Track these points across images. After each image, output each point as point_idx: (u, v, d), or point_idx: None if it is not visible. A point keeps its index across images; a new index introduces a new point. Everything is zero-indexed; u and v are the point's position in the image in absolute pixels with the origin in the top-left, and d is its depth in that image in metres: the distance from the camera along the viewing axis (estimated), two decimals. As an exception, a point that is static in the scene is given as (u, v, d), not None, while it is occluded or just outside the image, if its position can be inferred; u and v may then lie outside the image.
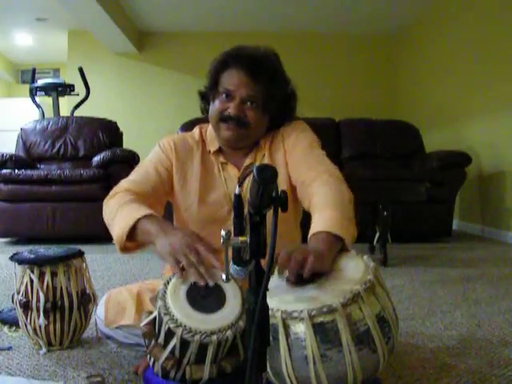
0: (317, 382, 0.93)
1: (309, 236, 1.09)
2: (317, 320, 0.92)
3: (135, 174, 1.37)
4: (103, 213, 1.28)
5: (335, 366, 0.92)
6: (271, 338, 0.94)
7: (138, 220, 1.14)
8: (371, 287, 0.97)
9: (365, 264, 1.03)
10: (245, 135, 1.33)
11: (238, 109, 1.29)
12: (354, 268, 1.02)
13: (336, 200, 1.16)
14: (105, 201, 1.30)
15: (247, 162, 1.38)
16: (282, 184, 1.30)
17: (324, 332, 0.92)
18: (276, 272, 1.08)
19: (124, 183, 1.33)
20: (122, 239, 1.15)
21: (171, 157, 1.39)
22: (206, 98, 1.40)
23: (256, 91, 1.29)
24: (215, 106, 1.33)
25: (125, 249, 1.19)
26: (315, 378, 0.92)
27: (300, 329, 0.93)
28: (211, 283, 1.02)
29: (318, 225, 1.09)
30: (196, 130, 1.47)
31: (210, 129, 1.44)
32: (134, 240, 1.16)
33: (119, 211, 1.20)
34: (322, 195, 1.18)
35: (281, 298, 0.98)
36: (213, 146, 1.40)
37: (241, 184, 0.85)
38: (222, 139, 1.36)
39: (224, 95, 1.31)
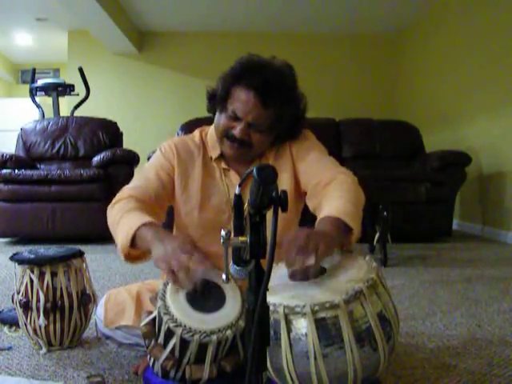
0: (317, 379, 0.93)
1: (318, 218, 1.09)
2: (319, 315, 0.92)
3: (137, 180, 1.36)
4: (107, 220, 1.27)
5: (336, 362, 0.92)
6: (273, 333, 0.94)
7: (138, 228, 1.13)
8: (373, 286, 0.98)
9: (367, 264, 1.04)
10: (246, 153, 1.34)
11: (244, 132, 1.28)
12: (357, 267, 1.03)
13: (352, 196, 1.17)
14: (108, 207, 1.29)
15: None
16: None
17: (326, 328, 0.92)
18: (280, 264, 1.09)
19: (126, 190, 1.32)
20: (126, 248, 1.14)
21: (173, 161, 1.38)
22: (213, 100, 1.37)
23: (264, 117, 1.27)
24: (221, 121, 1.32)
25: (130, 257, 1.18)
26: (316, 374, 0.93)
27: (302, 324, 0.93)
28: (188, 286, 1.00)
29: (330, 210, 1.10)
30: (196, 134, 1.45)
31: (210, 133, 1.43)
32: (135, 248, 1.16)
33: (122, 219, 1.19)
34: (338, 191, 1.19)
35: (283, 294, 0.98)
36: (214, 152, 1.39)
37: (241, 184, 0.85)
38: (223, 152, 1.37)
39: (231, 113, 1.28)
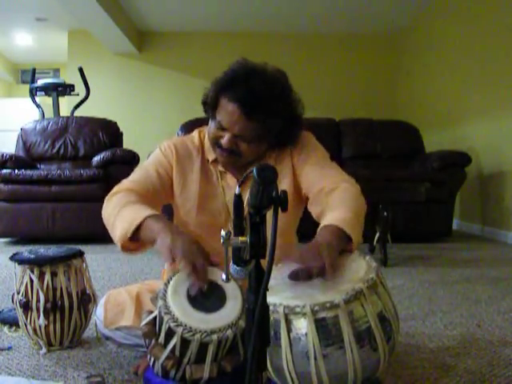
0: (317, 379, 0.93)
1: (319, 227, 1.11)
2: (319, 315, 0.92)
3: (136, 175, 1.37)
4: (103, 210, 1.27)
5: (336, 362, 0.92)
6: (273, 333, 0.95)
7: (145, 218, 1.13)
8: (373, 286, 0.98)
9: (367, 264, 1.04)
10: (237, 161, 1.33)
11: (230, 142, 1.27)
12: (357, 267, 1.03)
13: (353, 205, 1.18)
14: (106, 198, 1.29)
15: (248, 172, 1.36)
16: None
17: (326, 328, 0.92)
18: (280, 265, 1.09)
19: (126, 182, 1.33)
20: (126, 236, 1.14)
21: (172, 161, 1.38)
22: (205, 106, 1.37)
23: (250, 128, 1.25)
24: (211, 129, 1.32)
25: (126, 247, 1.19)
26: (316, 374, 0.93)
27: (302, 324, 0.93)
28: (203, 286, 1.01)
29: (331, 219, 1.11)
30: (195, 135, 1.45)
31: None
32: (135, 240, 1.16)
33: (123, 210, 1.19)
34: (340, 200, 1.20)
35: (283, 294, 0.98)
36: (211, 154, 1.39)
37: (241, 184, 0.85)
38: (217, 158, 1.37)
39: (218, 124, 1.28)
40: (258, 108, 1.22)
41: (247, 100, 1.22)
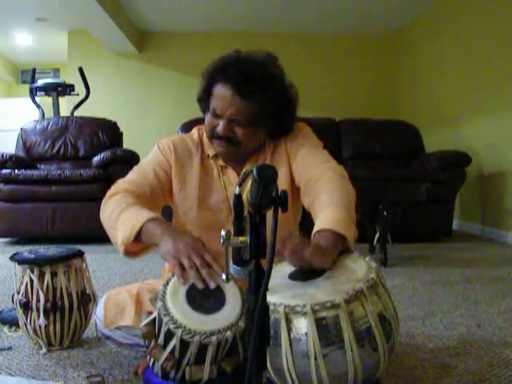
0: (317, 378, 0.93)
1: (313, 233, 1.10)
2: (319, 315, 0.92)
3: (133, 174, 1.36)
4: (101, 212, 1.27)
5: (336, 362, 0.92)
6: (273, 333, 0.94)
7: (145, 222, 1.13)
8: (374, 286, 0.98)
9: (367, 264, 1.04)
10: (237, 150, 1.32)
11: (226, 128, 1.27)
12: (357, 268, 1.03)
13: (341, 199, 1.16)
14: (103, 200, 1.29)
15: (247, 167, 1.35)
16: (282, 188, 1.30)
17: (326, 327, 0.92)
18: (281, 264, 1.09)
19: (123, 183, 1.32)
20: (129, 242, 1.14)
21: (170, 159, 1.38)
22: (200, 101, 1.38)
23: (244, 109, 1.25)
24: (207, 120, 1.32)
25: (128, 252, 1.19)
26: (316, 374, 0.93)
27: (302, 324, 0.93)
28: (212, 286, 1.01)
29: (322, 222, 1.10)
30: (194, 132, 1.45)
31: None
32: (137, 242, 1.16)
33: (122, 214, 1.19)
34: (327, 193, 1.18)
35: (284, 293, 0.98)
36: (211, 150, 1.39)
37: (241, 184, 0.85)
38: (217, 152, 1.36)
39: (212, 112, 1.29)
40: (251, 86, 1.23)
41: (238, 80, 1.23)
